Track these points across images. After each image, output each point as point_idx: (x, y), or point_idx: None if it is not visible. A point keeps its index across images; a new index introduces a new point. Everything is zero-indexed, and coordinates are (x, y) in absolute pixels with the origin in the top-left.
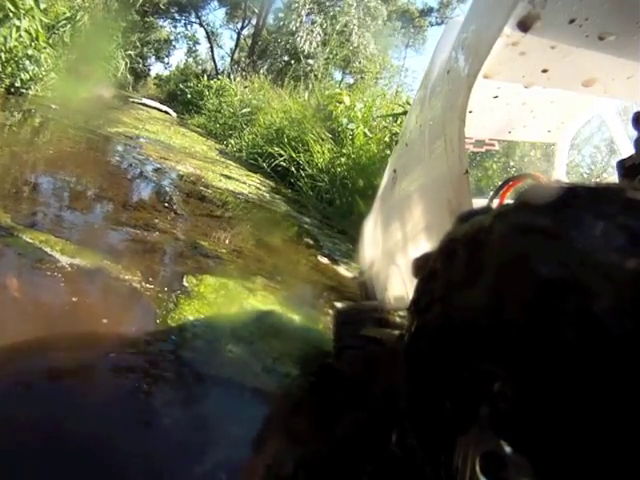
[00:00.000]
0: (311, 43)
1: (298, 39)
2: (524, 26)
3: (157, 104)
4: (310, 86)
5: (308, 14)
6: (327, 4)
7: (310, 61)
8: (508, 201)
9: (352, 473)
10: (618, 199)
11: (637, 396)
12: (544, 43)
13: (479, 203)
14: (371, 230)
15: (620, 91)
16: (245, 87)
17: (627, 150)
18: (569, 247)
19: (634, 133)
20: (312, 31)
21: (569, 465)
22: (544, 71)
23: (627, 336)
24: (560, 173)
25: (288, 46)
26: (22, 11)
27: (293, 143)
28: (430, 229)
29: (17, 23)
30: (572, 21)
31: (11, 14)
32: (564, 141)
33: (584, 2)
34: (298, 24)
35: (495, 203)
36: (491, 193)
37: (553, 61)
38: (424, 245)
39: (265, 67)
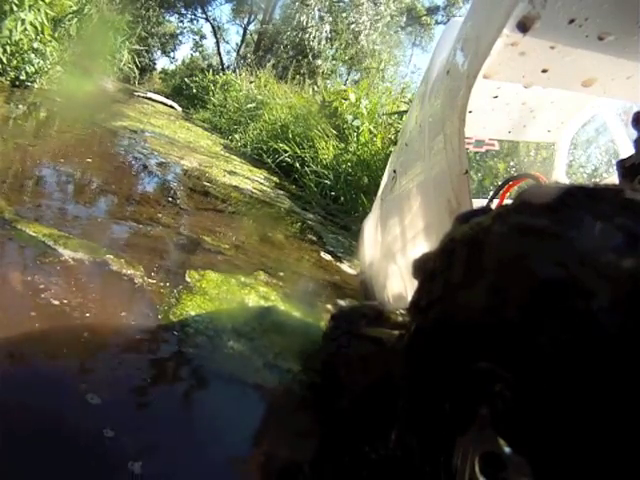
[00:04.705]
0: (320, 41)
1: (307, 35)
2: (524, 26)
3: (162, 98)
4: (316, 81)
5: (319, 10)
6: (337, 2)
7: (319, 61)
8: (508, 201)
9: (352, 472)
10: (616, 200)
11: (635, 394)
12: (544, 43)
13: (479, 203)
14: (371, 229)
15: (620, 91)
16: (251, 82)
17: (627, 150)
18: (568, 247)
19: (634, 133)
20: (321, 28)
21: (568, 465)
22: (544, 71)
23: (624, 335)
24: (560, 173)
25: (297, 40)
26: (27, 4)
27: (298, 139)
28: (429, 229)
29: (22, 16)
30: (572, 21)
31: (15, 7)
32: (564, 141)
33: (584, 2)
34: (309, 20)
35: (495, 203)
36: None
37: (553, 61)
38: (423, 245)
39: (271, 62)
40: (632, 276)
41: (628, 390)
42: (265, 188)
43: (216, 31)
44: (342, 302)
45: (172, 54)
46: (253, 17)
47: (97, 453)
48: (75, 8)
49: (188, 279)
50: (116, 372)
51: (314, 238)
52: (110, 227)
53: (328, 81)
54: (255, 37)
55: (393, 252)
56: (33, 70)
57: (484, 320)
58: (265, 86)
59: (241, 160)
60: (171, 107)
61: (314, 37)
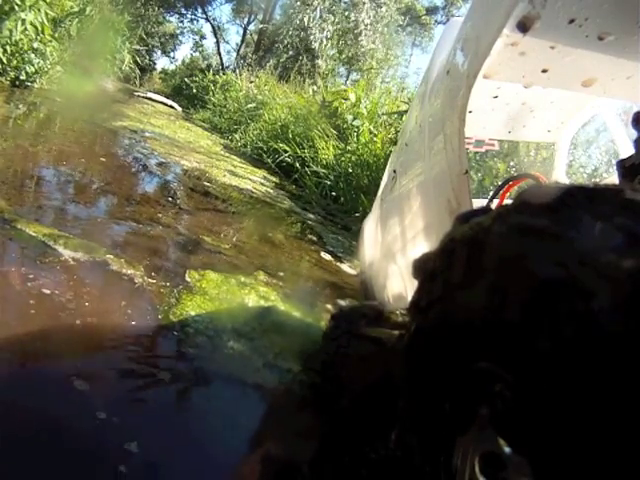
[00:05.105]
0: (322, 41)
1: (311, 36)
2: (524, 27)
3: (162, 98)
4: (316, 81)
5: (321, 10)
6: (338, 2)
7: (319, 61)
8: (508, 201)
9: (352, 472)
10: (616, 200)
11: (635, 394)
12: (544, 43)
13: (479, 203)
14: (371, 229)
15: (620, 91)
16: (251, 82)
17: (627, 150)
18: (568, 247)
19: (634, 133)
20: (323, 29)
21: (568, 465)
22: (544, 71)
23: (624, 335)
24: (560, 173)
25: (297, 40)
26: (27, 4)
27: (298, 139)
28: (429, 229)
29: (22, 16)
30: (572, 21)
31: (16, 7)
32: (564, 141)
33: (584, 2)
34: (310, 20)
35: (495, 203)
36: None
37: (553, 61)
38: (423, 245)
39: (271, 62)
40: (632, 276)
41: (628, 390)
42: (265, 188)
43: (216, 31)
44: (342, 302)
45: (172, 54)
46: (253, 17)
47: (95, 451)
48: (76, 9)
49: (188, 279)
50: (115, 371)
51: (314, 238)
52: (110, 227)
53: (328, 81)
54: (255, 37)
55: (393, 252)
56: (33, 70)
57: (484, 320)
58: (265, 86)
59: (241, 160)
60: (171, 107)
61: (315, 38)
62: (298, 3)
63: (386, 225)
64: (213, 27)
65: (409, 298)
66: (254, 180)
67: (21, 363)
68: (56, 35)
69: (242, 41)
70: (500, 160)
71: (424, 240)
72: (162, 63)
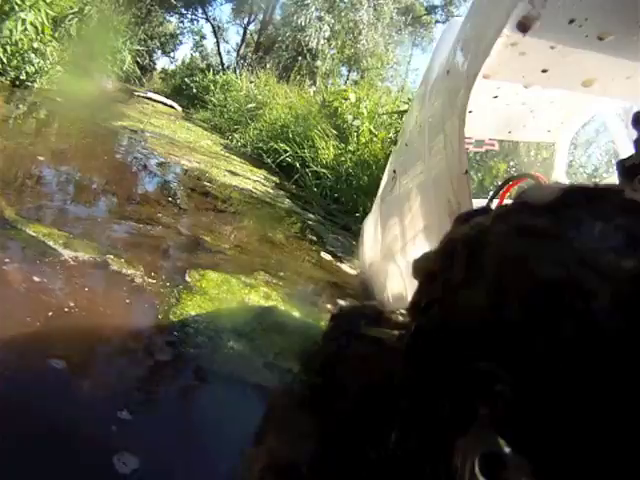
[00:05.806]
0: (319, 41)
1: (308, 37)
2: (524, 27)
3: (162, 98)
4: (316, 82)
5: (317, 9)
6: (337, 2)
7: (318, 62)
8: (508, 201)
9: (352, 472)
10: (616, 200)
11: (635, 395)
12: (544, 43)
13: (479, 203)
14: (371, 229)
15: (619, 91)
16: (251, 82)
17: (627, 150)
18: (568, 247)
19: (634, 133)
20: (320, 28)
21: (569, 464)
22: (544, 71)
23: (624, 335)
24: (560, 173)
25: (296, 41)
26: (27, 4)
27: (298, 139)
28: (429, 229)
29: (22, 16)
30: (572, 21)
31: (16, 7)
32: (564, 141)
33: (584, 2)
34: (307, 21)
35: (495, 203)
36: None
37: (553, 61)
38: (423, 245)
39: (271, 62)
40: (632, 276)
41: (628, 390)
42: (265, 188)
43: (216, 31)
44: (342, 302)
45: (172, 54)
46: (253, 17)
47: (96, 451)
48: (75, 9)
49: (188, 279)
50: (115, 371)
51: (314, 238)
52: (110, 227)
53: (328, 80)
54: (255, 37)
55: (393, 252)
56: (33, 70)
57: (484, 320)
58: (265, 86)
59: (241, 160)
60: (171, 107)
61: (313, 38)
62: (297, 4)
63: (386, 225)
64: (213, 27)
65: (409, 298)
66: (254, 180)
67: (20, 362)
68: (56, 35)
69: (242, 41)
70: (500, 160)
71: (424, 240)
72: (162, 63)
